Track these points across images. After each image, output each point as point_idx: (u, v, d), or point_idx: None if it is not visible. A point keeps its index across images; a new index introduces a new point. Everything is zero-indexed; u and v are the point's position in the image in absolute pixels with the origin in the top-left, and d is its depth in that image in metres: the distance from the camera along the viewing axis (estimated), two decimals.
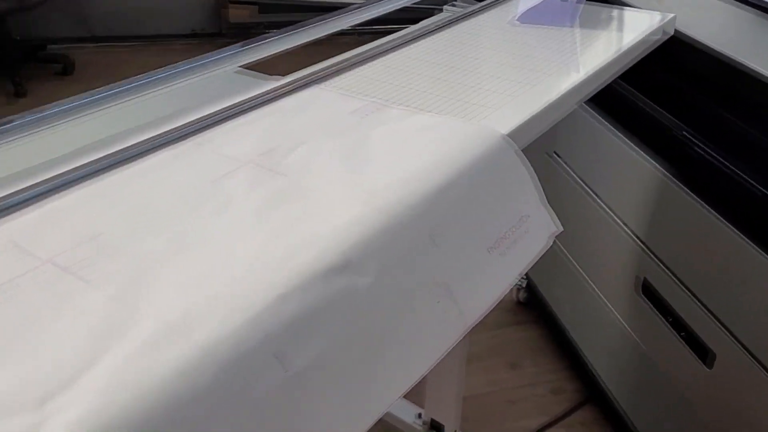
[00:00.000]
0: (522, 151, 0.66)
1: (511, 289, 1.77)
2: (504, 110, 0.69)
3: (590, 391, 1.55)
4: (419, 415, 1.41)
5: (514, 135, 0.66)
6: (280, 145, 0.62)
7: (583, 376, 1.57)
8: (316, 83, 0.76)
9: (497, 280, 0.55)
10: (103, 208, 0.53)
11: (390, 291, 0.48)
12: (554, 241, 1.55)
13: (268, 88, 0.74)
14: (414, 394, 1.43)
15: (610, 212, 1.31)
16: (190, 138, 0.63)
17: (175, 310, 0.41)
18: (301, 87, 0.74)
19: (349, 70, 0.80)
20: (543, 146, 1.53)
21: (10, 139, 0.61)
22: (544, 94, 0.73)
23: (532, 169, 0.64)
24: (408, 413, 1.43)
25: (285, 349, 0.41)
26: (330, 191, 0.54)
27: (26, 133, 0.62)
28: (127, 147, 0.60)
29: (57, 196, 0.54)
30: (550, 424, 1.51)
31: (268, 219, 0.51)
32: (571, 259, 1.50)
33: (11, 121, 0.62)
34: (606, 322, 1.39)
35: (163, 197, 0.54)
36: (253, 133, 0.64)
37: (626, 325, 1.32)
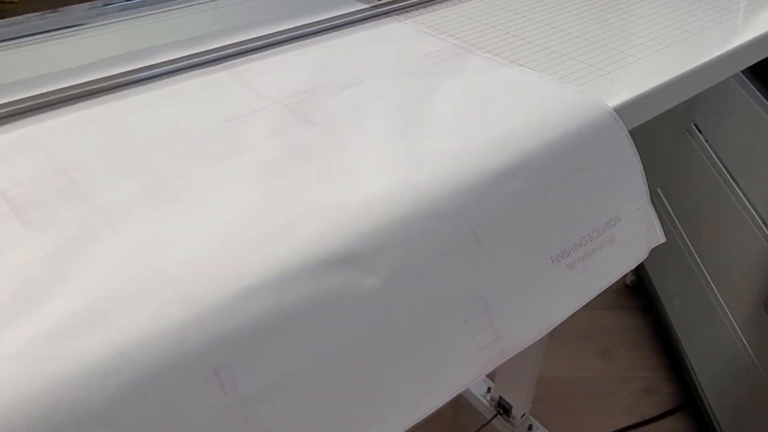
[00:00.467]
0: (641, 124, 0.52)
1: None
2: (621, 75, 0.54)
3: (687, 398, 1.38)
4: (489, 390, 1.31)
5: (625, 110, 0.51)
6: (327, 84, 0.51)
7: (682, 381, 1.40)
8: (398, 14, 0.63)
9: (557, 302, 0.43)
10: (93, 137, 0.45)
11: (402, 299, 0.36)
12: (676, 226, 1.35)
13: (341, 12, 0.62)
14: None
15: (750, 208, 1.11)
16: (226, 64, 0.53)
17: (106, 287, 0.32)
18: (377, 16, 0.62)
19: (445, 3, 0.66)
20: (678, 115, 1.32)
21: (26, 41, 0.54)
22: (680, 61, 0.57)
23: (639, 158, 0.49)
24: (477, 385, 1.33)
25: (232, 363, 0.31)
26: (363, 152, 0.43)
27: (48, 39, 0.54)
28: (145, 67, 0.51)
29: (48, 114, 0.46)
30: (635, 426, 1.36)
31: (273, 179, 0.40)
32: (693, 250, 1.31)
33: (25, 22, 0.54)
34: (720, 331, 1.20)
35: (164, 134, 0.45)
36: (301, 66, 0.53)
37: (743, 341, 1.13)
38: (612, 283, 0.46)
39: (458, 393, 0.38)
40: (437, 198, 0.39)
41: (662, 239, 0.50)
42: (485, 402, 1.30)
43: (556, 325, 0.42)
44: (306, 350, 0.33)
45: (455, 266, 0.38)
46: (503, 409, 1.26)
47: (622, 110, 0.50)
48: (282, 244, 0.35)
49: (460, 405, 1.36)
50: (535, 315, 0.41)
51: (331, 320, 0.34)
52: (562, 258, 0.43)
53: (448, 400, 0.38)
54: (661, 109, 0.55)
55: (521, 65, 0.55)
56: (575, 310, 0.43)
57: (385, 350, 0.36)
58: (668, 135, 1.38)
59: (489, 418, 1.28)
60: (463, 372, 0.38)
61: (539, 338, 0.41)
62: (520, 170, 0.43)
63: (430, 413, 0.37)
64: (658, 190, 1.43)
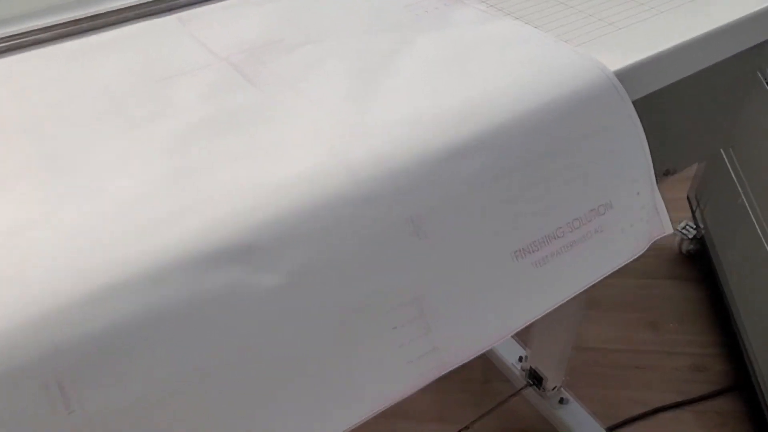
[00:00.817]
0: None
1: (674, 236, 1.48)
2: (635, 32, 0.46)
3: (738, 378, 1.28)
4: (521, 358, 1.25)
5: (635, 73, 0.43)
6: (284, 39, 0.45)
7: (735, 359, 1.30)
8: None
9: (514, 306, 0.36)
10: (21, 90, 0.40)
11: (308, 301, 0.31)
12: (744, 191, 1.23)
13: None
14: (521, 332, 1.25)
15: None
16: (175, 9, 0.47)
17: None
18: None
19: None
20: (752, 65, 1.19)
21: None
22: (706, 19, 0.48)
23: (642, 133, 0.41)
24: (510, 352, 1.27)
25: (79, 376, 0.27)
26: (302, 122, 0.37)
27: None
28: (89, 15, 0.46)
29: None
30: (680, 404, 1.27)
31: (188, 151, 0.35)
32: (760, 218, 1.19)
33: None
34: None
35: (82, 92, 0.40)
36: (259, 14, 0.47)
37: None
38: (592, 282, 0.39)
39: (383, 409, 0.33)
40: (370, 179, 0.33)
41: (668, 230, 0.42)
42: (517, 371, 1.24)
43: (512, 334, 0.36)
44: (180, 361, 0.28)
45: (383, 261, 0.33)
46: (535, 379, 1.20)
47: (629, 73, 0.42)
48: (164, 232, 0.30)
49: (491, 372, 1.31)
50: (485, 321, 0.35)
51: (213, 326, 0.29)
52: (529, 253, 0.37)
53: (368, 418, 0.32)
54: (683, 73, 0.46)
55: (517, 18, 0.47)
56: (540, 315, 0.37)
57: (283, 361, 0.30)
58: (739, 88, 1.24)
59: (519, 387, 1.23)
60: (390, 387, 0.33)
61: (488, 348, 0.35)
62: (485, 145, 0.36)
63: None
64: (727, 151, 1.30)
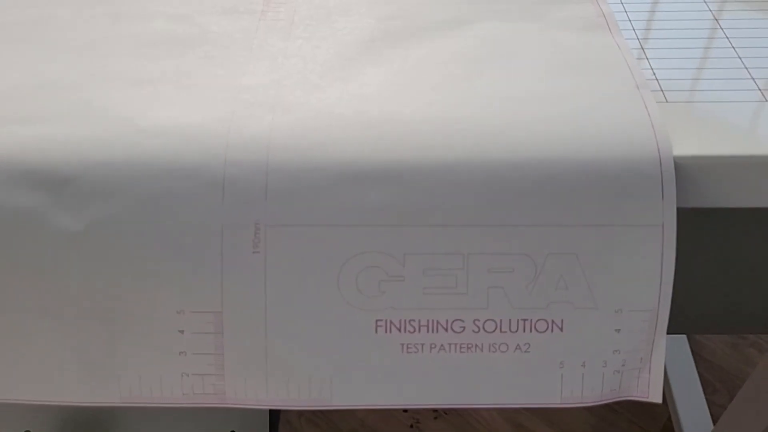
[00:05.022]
0: None
1: None
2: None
3: None
4: None
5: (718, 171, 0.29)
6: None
7: None
8: None
9: (350, 372, 0.29)
10: None
11: (101, 255, 0.28)
12: None
13: None
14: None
15: None
16: None
17: None
18: None
19: None
20: None
21: None
22: None
23: (672, 256, 0.28)
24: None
25: None
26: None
27: None
28: None
29: None
30: None
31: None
32: None
33: None
34: None
35: None
36: None
37: None
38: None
39: (145, 404, 0.29)
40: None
41: (654, 398, 0.29)
42: None
43: (328, 407, 0.29)
44: None
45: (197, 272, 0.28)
46: None
47: (708, 168, 0.29)
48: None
49: None
50: (297, 378, 0.29)
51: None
52: (399, 330, 0.28)
53: (119, 404, 0.29)
54: None
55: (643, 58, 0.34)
56: (395, 405, 0.29)
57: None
58: None
59: None
60: (156, 386, 0.29)
61: (287, 407, 0.28)
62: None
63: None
64: None
